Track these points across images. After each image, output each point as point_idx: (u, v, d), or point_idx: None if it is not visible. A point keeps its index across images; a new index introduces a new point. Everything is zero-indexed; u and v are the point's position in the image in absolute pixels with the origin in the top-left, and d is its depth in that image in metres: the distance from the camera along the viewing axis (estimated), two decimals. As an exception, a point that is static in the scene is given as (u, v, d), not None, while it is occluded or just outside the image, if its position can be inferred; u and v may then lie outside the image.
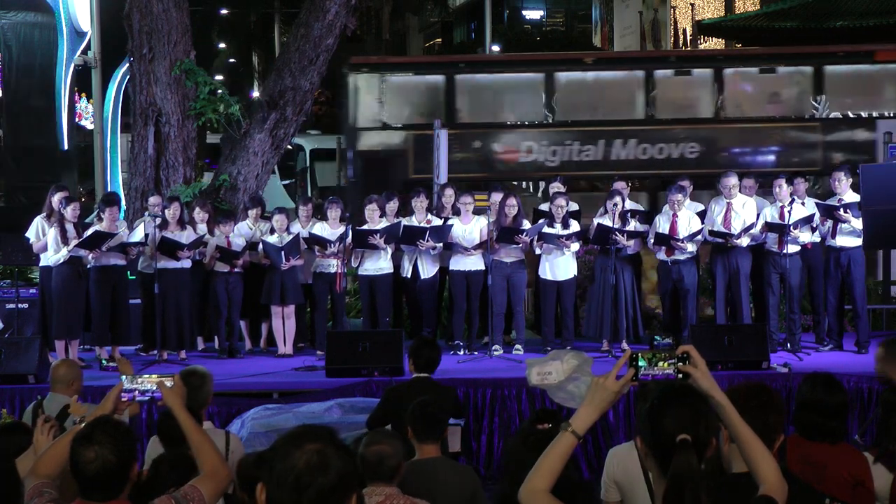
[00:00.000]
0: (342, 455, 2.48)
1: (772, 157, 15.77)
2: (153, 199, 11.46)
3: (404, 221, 11.10)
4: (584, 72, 16.63)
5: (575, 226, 10.97)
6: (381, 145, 16.06)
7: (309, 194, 22.73)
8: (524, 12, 43.74)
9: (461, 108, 16.16)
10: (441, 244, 10.99)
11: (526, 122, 16.02)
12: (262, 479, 2.53)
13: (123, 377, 3.87)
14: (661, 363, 2.96)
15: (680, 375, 2.95)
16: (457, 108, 16.02)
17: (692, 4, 32.74)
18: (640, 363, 2.97)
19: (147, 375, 3.88)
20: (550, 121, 15.76)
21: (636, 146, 15.58)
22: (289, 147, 24.30)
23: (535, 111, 15.96)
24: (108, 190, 14.96)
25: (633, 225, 11.01)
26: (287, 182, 24.66)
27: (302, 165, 25.00)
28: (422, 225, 11.06)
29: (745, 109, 16.05)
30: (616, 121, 15.88)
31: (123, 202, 12.88)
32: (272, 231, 11.14)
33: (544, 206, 11.59)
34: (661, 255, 10.98)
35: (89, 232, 10.47)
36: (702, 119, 15.96)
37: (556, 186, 11.72)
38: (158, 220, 10.63)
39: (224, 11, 36.62)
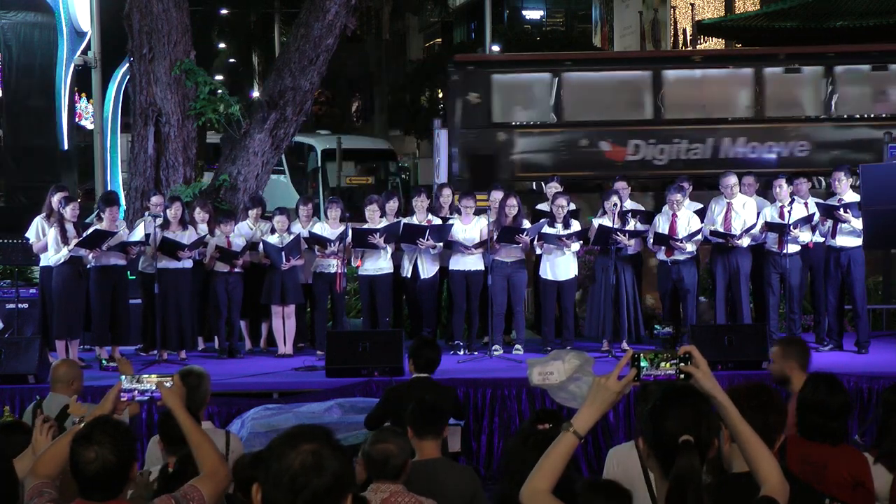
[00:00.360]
0: (338, 456, 2.48)
1: (882, 156, 15.60)
2: (155, 199, 11.44)
3: (404, 220, 11.10)
4: (691, 69, 16.53)
5: (575, 226, 10.97)
6: (487, 143, 15.86)
7: (320, 194, 22.78)
8: (524, 12, 43.65)
9: (568, 105, 16.05)
10: (441, 244, 10.98)
11: (633, 120, 15.87)
12: (258, 480, 2.53)
13: (123, 377, 3.86)
14: (663, 363, 2.95)
15: (682, 376, 2.94)
16: (563, 106, 15.90)
17: (692, 4, 32.71)
18: (643, 363, 2.96)
19: (146, 375, 3.87)
20: (658, 118, 15.64)
21: (745, 144, 15.47)
22: (301, 148, 24.40)
23: (643, 109, 15.85)
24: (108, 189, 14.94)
25: (633, 225, 11.00)
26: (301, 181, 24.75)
27: (313, 165, 25.05)
28: (422, 224, 11.06)
29: (856, 107, 15.85)
30: (724, 119, 15.73)
31: (123, 202, 12.87)
32: (273, 231, 11.13)
33: (544, 206, 11.57)
34: (661, 255, 10.97)
35: (89, 231, 10.47)
36: (811, 118, 15.80)
37: (555, 186, 11.69)
38: (160, 221, 10.62)
39: (224, 11, 36.61)
